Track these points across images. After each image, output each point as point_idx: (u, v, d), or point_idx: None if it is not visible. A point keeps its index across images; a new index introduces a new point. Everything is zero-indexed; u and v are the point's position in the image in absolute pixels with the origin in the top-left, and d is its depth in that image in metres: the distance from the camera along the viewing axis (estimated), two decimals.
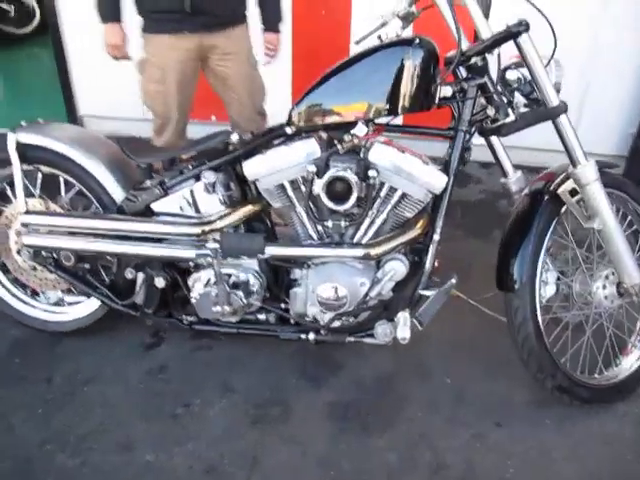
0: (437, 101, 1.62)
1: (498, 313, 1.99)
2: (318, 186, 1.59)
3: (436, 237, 1.66)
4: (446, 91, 1.62)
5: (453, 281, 1.65)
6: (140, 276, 1.86)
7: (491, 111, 1.62)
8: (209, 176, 1.69)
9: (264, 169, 1.65)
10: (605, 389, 1.84)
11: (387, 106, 1.57)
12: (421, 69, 1.55)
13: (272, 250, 1.67)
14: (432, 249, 1.67)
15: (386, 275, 1.69)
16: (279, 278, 1.84)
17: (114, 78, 3.94)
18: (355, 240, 1.69)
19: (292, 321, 1.82)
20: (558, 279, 1.80)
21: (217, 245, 1.62)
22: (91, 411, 1.84)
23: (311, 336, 1.79)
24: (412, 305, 1.72)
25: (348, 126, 1.60)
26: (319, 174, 1.61)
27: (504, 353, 1.97)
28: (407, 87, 1.55)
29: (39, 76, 4.99)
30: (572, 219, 1.77)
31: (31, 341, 2.10)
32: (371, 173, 1.59)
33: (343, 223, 1.66)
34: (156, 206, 1.77)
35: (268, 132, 1.74)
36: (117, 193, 1.83)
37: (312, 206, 1.67)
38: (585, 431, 1.79)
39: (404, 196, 1.63)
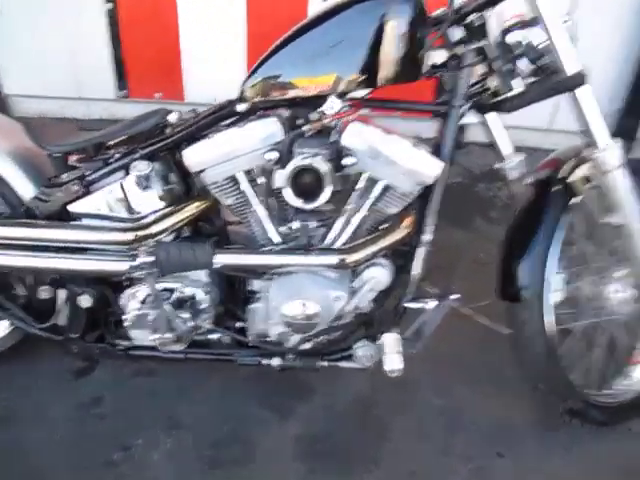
0: (425, 70, 1.31)
1: (493, 321, 1.73)
2: (280, 179, 1.26)
3: (426, 237, 1.37)
4: (436, 57, 1.31)
5: (456, 295, 1.34)
6: (61, 293, 1.50)
7: (493, 82, 1.32)
8: (141, 167, 1.33)
9: (210, 157, 1.30)
10: (619, 408, 1.58)
11: (364, 76, 1.24)
12: (407, 29, 1.22)
13: (224, 259, 1.33)
14: (421, 252, 1.38)
15: (365, 285, 1.38)
16: (235, 290, 1.51)
17: (44, 52, 3.49)
18: (327, 244, 1.36)
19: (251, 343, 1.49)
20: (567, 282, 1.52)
21: (151, 258, 1.26)
22: (5, 464, 1.47)
23: (275, 362, 1.46)
24: (397, 320, 1.42)
25: (316, 101, 1.27)
26: (281, 163, 1.27)
27: (499, 367, 1.71)
28: (389, 52, 1.23)
29: None
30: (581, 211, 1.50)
31: None
32: (346, 161, 1.26)
33: (312, 224, 1.33)
34: (75, 207, 1.40)
35: (216, 111, 1.39)
36: (27, 190, 1.44)
37: (273, 203, 1.34)
38: (599, 457, 1.53)
39: (387, 188, 1.31)
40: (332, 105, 1.26)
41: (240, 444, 1.54)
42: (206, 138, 1.32)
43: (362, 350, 1.41)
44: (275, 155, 1.26)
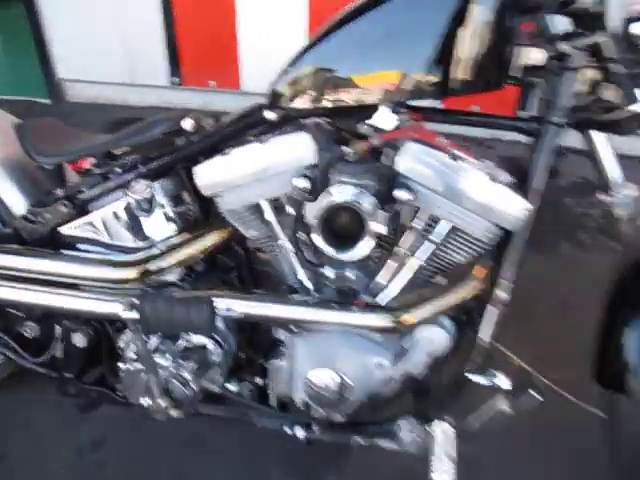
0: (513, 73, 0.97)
1: (583, 397, 1.36)
2: (311, 215, 0.97)
3: (502, 295, 1.03)
4: (532, 57, 0.97)
5: (538, 396, 0.99)
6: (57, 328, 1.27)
7: (607, 91, 0.96)
8: (139, 188, 1.07)
9: (225, 179, 1.02)
10: None
11: (433, 80, 0.92)
12: (493, 19, 0.89)
13: (238, 306, 1.05)
14: (492, 312, 1.04)
15: (418, 348, 1.07)
16: (257, 335, 1.24)
17: (97, 37, 3.33)
18: (372, 295, 1.06)
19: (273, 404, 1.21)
20: None
21: (134, 315, 1.00)
22: None
23: (299, 432, 1.18)
24: (456, 395, 1.10)
25: (365, 111, 0.96)
26: (314, 192, 0.98)
27: (587, 455, 1.34)
28: (468, 49, 0.90)
29: (10, 36, 4.05)
30: None
31: None
32: (400, 194, 0.95)
33: (351, 273, 1.03)
34: (67, 230, 1.16)
35: (242, 117, 1.10)
36: (20, 207, 1.22)
37: (304, 240, 1.05)
38: None
39: (455, 231, 0.99)
40: (384, 116, 0.95)
41: None
42: (223, 153, 1.04)
43: (407, 431, 1.10)
44: (306, 183, 0.96)
